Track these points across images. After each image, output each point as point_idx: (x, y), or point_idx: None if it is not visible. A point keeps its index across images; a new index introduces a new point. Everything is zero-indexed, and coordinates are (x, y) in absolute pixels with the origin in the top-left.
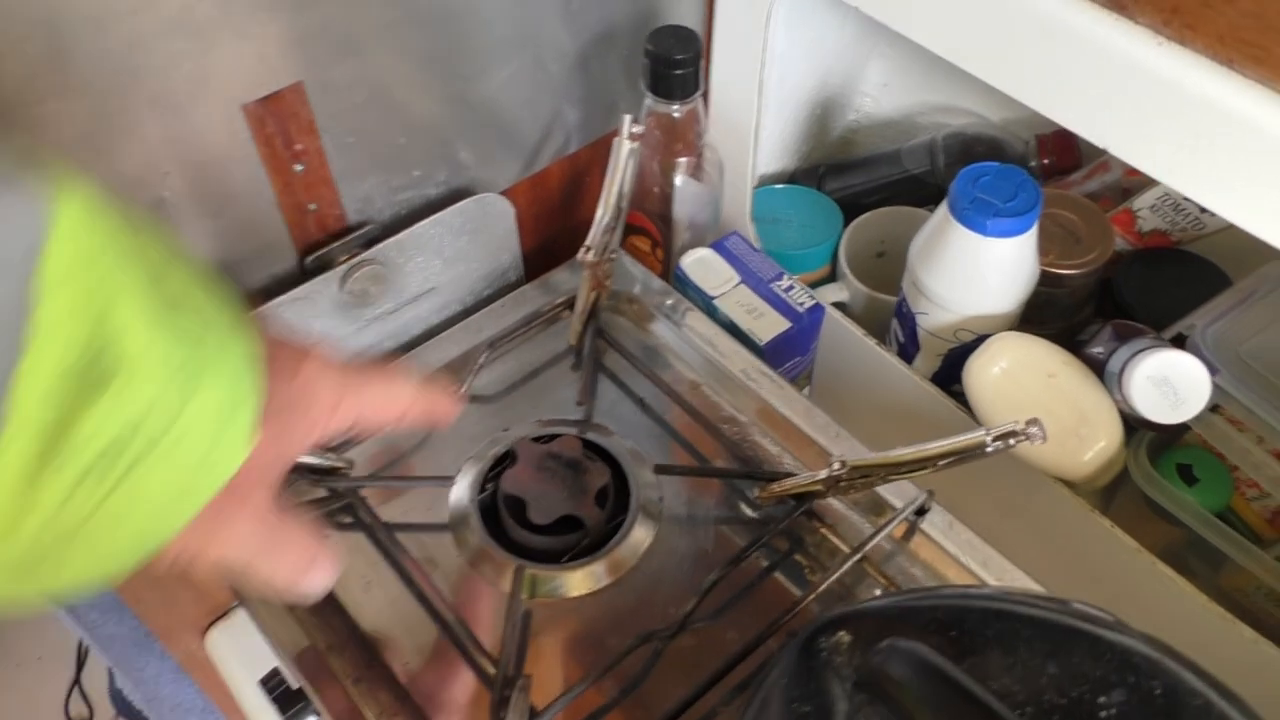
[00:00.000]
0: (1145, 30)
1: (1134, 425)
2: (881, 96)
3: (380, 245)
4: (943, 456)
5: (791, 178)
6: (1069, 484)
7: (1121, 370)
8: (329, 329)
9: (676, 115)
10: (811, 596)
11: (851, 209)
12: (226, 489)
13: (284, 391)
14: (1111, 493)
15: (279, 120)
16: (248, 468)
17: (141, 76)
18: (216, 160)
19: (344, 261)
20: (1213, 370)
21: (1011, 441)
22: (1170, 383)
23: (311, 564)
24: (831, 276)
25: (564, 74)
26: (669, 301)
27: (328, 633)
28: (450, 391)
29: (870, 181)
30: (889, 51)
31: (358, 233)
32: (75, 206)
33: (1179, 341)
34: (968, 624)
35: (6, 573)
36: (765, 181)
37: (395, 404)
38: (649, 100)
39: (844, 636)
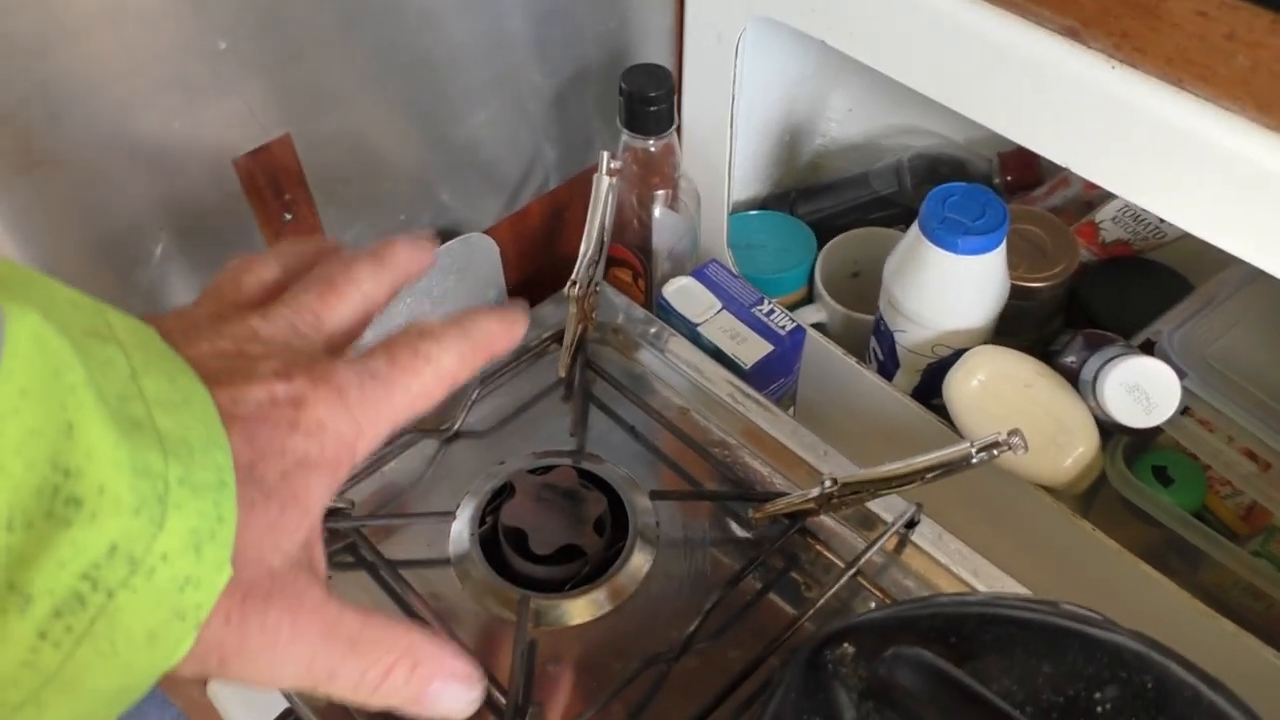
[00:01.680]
0: (1098, 54)
1: (1109, 430)
2: (846, 122)
3: None
4: (930, 470)
5: (764, 203)
6: (1050, 490)
7: (1095, 378)
8: None
9: (652, 149)
10: (810, 612)
11: (824, 231)
12: (238, 595)
13: (279, 452)
14: (1091, 496)
15: (268, 172)
16: (254, 558)
17: (134, 136)
18: (208, 213)
19: None
20: (1181, 374)
21: (995, 452)
22: (1142, 388)
23: (419, 667)
24: (809, 298)
25: (541, 114)
26: (653, 330)
27: None
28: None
29: (840, 204)
30: (852, 79)
31: None
32: (29, 322)
33: (1147, 348)
34: (965, 630)
35: None
36: (739, 208)
37: (441, 377)
38: (625, 136)
39: (848, 649)
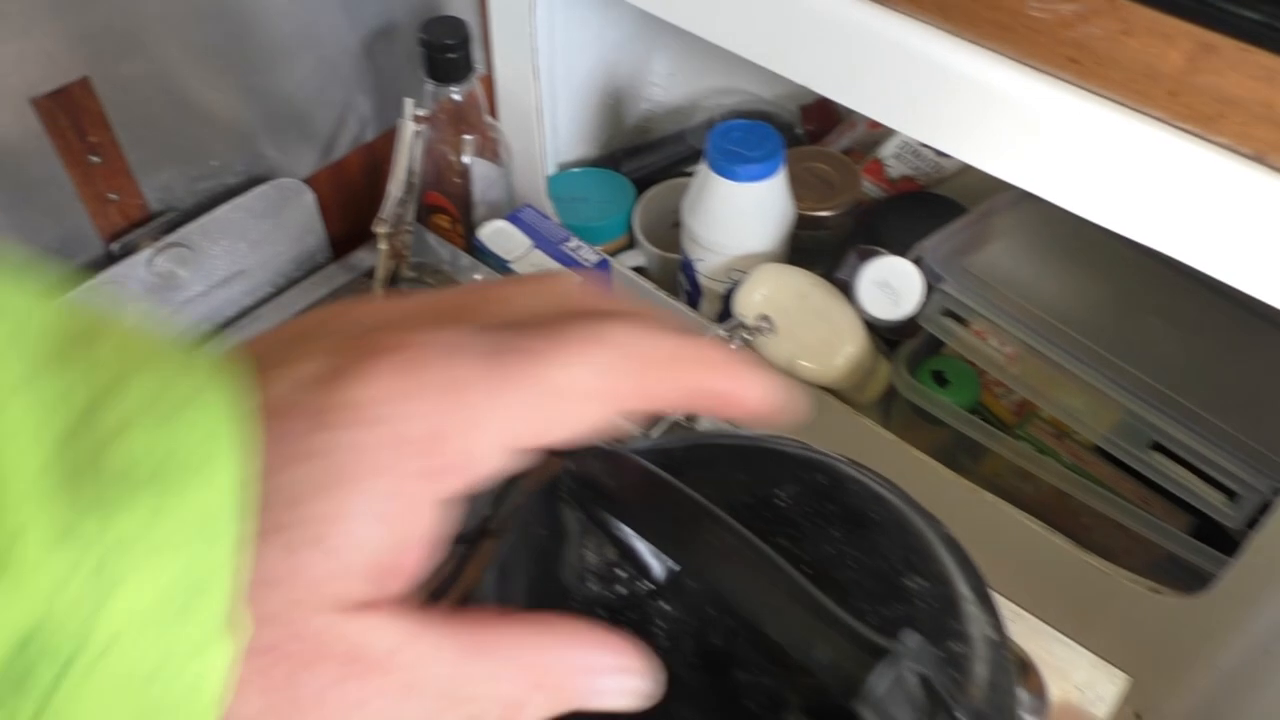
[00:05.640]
0: None
1: (883, 335)
2: (669, 85)
3: (183, 229)
4: None
5: (594, 164)
6: (848, 400)
7: (853, 280)
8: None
9: (457, 98)
10: None
11: (648, 187)
12: (258, 660)
13: (301, 456)
14: (889, 407)
15: (70, 114)
16: (271, 614)
17: None
18: (10, 154)
19: (149, 245)
20: (939, 279)
21: (746, 335)
22: (890, 284)
23: (561, 692)
24: (630, 245)
25: (351, 66)
26: (475, 275)
27: None
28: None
29: (661, 160)
30: (671, 44)
31: (161, 219)
32: None
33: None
34: (675, 455)
35: None
36: (568, 167)
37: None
38: (430, 86)
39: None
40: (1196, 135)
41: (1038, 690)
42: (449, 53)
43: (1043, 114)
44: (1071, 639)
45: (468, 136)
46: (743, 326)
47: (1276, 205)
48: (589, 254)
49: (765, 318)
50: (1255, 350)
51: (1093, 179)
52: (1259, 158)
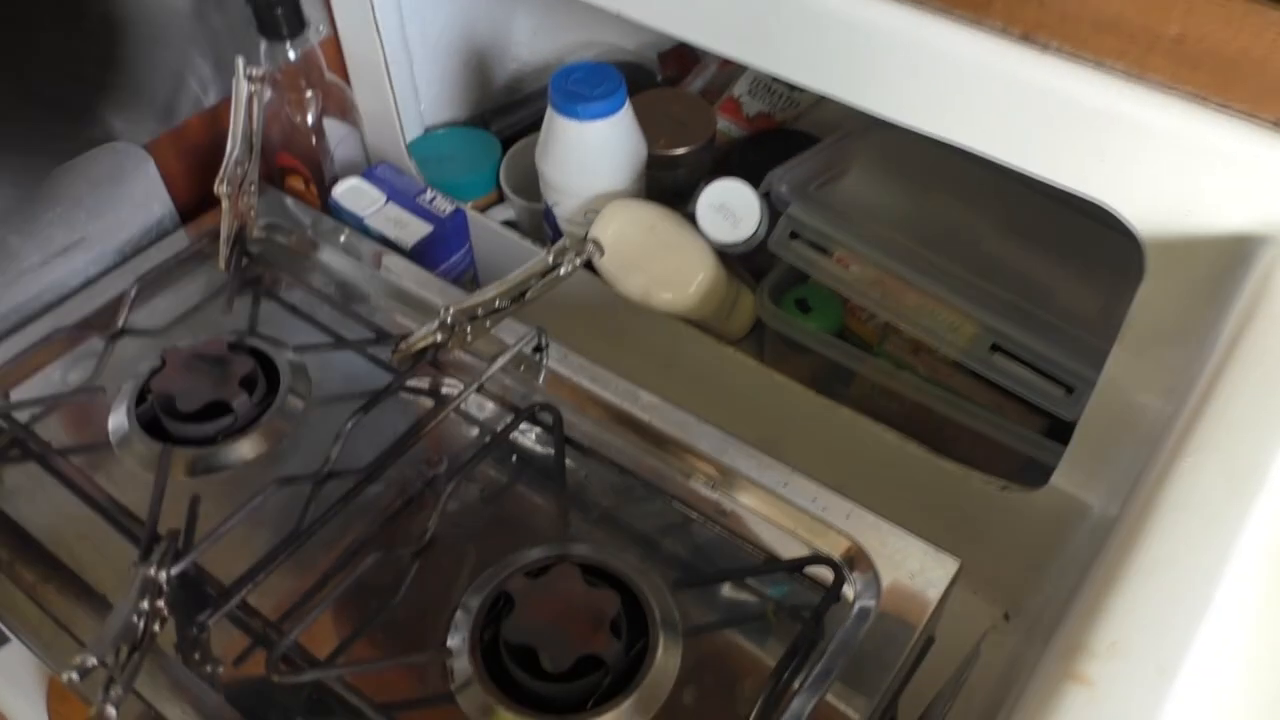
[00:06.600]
0: None
1: (746, 266)
2: (534, 43)
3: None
4: (526, 280)
5: (465, 125)
6: (711, 329)
7: (693, 206)
8: None
9: (293, 56)
10: (432, 424)
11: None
12: None
13: None
14: (762, 338)
15: None
16: None
17: None
18: None
19: None
20: (785, 204)
21: (575, 259)
22: (727, 206)
23: None
24: (501, 200)
25: (182, 29)
26: (328, 228)
27: None
28: None
29: (529, 117)
30: (531, 3)
31: None
32: None
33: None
34: None
35: None
36: (438, 129)
37: None
38: (264, 44)
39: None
40: (971, 21)
41: (870, 575)
42: (275, 9)
43: (832, 17)
44: (941, 547)
45: (310, 95)
46: (567, 250)
47: (1048, 82)
48: (444, 204)
49: (594, 241)
50: (1092, 254)
51: (892, 79)
52: (1028, 37)
